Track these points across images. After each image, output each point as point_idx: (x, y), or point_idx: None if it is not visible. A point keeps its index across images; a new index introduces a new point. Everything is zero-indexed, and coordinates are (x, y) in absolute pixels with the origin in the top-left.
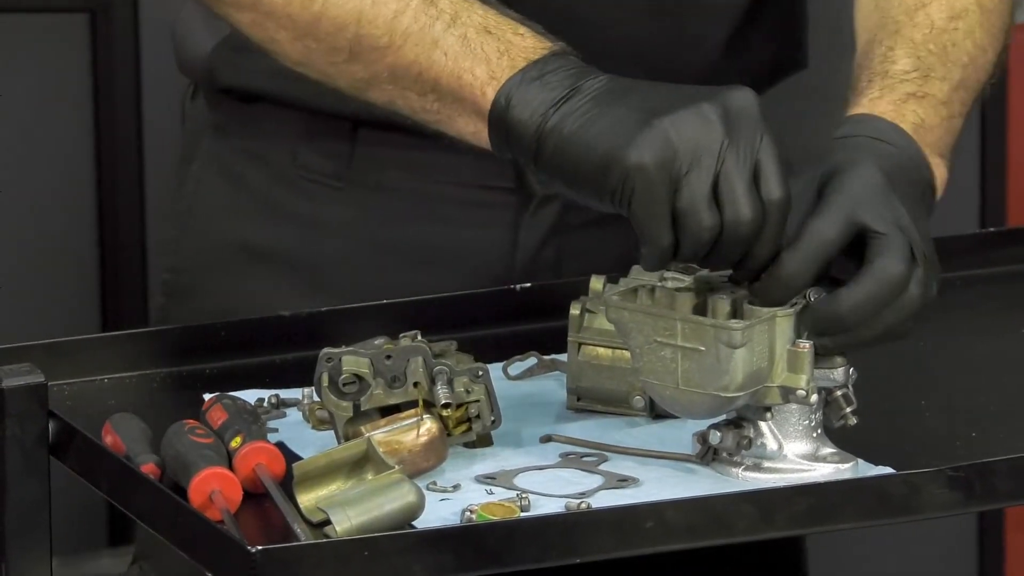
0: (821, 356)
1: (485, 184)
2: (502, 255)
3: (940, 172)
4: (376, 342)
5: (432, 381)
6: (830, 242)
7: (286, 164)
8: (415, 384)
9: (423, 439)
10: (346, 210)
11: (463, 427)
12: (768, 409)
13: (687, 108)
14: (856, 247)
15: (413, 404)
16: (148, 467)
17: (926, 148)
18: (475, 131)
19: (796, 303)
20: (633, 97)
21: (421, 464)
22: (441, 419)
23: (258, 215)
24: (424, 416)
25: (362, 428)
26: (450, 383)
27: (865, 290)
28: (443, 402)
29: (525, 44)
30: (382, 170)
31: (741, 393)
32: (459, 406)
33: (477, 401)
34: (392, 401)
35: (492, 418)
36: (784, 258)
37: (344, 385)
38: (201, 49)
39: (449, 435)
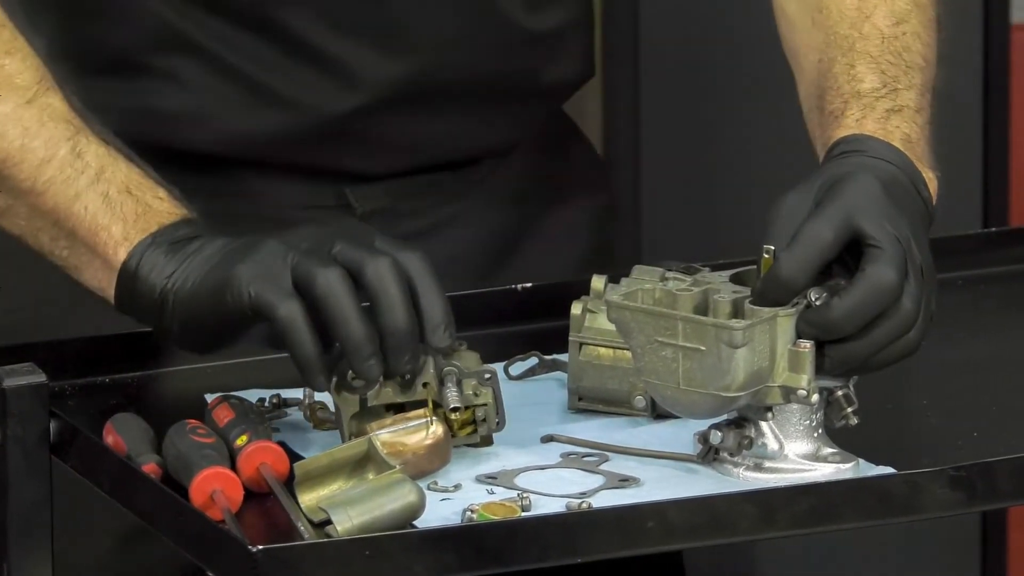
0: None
1: (306, 204)
2: None
3: (932, 184)
4: None
5: (441, 382)
6: (826, 244)
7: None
8: (424, 384)
9: (429, 442)
10: None
11: (468, 429)
12: (769, 409)
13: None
14: (857, 258)
15: (420, 404)
16: (149, 467)
17: (917, 162)
18: (100, 283)
19: (797, 303)
20: (238, 252)
21: (425, 466)
22: (447, 421)
23: None
24: (432, 419)
25: (367, 426)
26: (459, 385)
27: (856, 297)
28: (452, 406)
29: (161, 208)
30: (199, 198)
31: (742, 393)
32: (466, 408)
33: (484, 405)
34: (400, 400)
35: (497, 420)
36: (781, 259)
37: (352, 379)
38: None
39: (453, 436)
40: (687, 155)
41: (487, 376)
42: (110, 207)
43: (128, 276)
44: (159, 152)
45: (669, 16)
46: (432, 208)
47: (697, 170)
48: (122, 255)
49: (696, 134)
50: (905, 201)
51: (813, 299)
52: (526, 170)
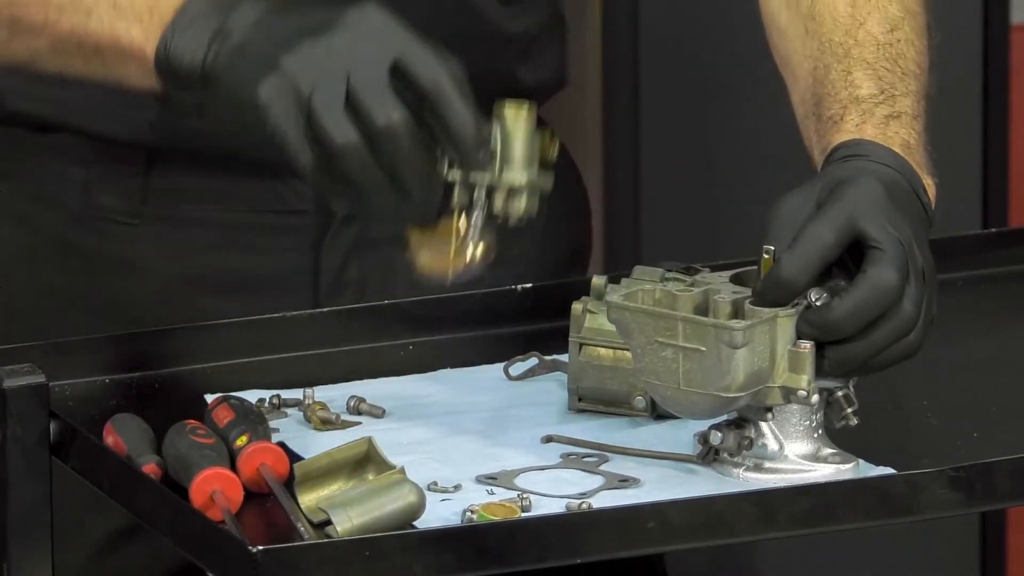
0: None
1: (283, 209)
2: (305, 279)
3: (931, 191)
4: None
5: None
6: (828, 245)
7: (78, 205)
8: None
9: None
10: (144, 246)
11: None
12: (769, 409)
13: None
14: (858, 260)
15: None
16: (149, 467)
17: (916, 168)
18: (151, 84)
19: (798, 304)
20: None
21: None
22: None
23: (56, 258)
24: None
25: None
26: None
27: (857, 298)
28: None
29: None
30: (178, 203)
31: (742, 393)
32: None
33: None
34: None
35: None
36: (782, 260)
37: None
38: None
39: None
40: (686, 155)
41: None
42: (121, 12)
43: (165, 69)
44: None
45: (668, 16)
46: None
47: (696, 170)
48: (150, 51)
49: (695, 134)
50: (906, 204)
51: (813, 300)
52: None
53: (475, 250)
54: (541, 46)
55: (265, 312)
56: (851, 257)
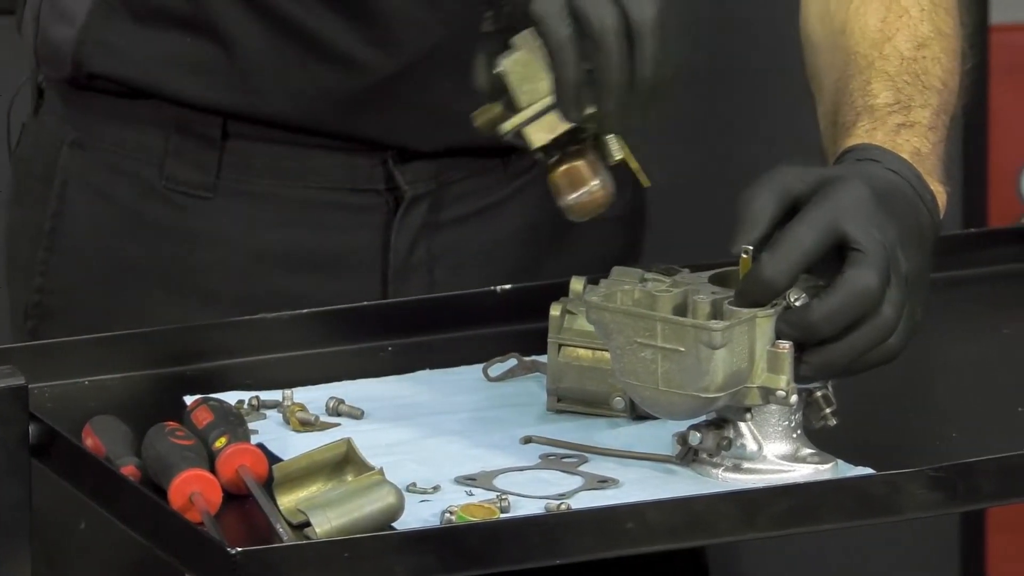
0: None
1: (355, 187)
2: (375, 257)
3: (941, 199)
4: None
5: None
6: (808, 247)
7: (153, 177)
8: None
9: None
10: (217, 220)
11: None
12: (748, 410)
13: None
14: (839, 261)
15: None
16: (128, 469)
17: (925, 176)
18: None
19: (777, 304)
20: None
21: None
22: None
23: (129, 230)
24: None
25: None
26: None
27: (835, 300)
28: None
29: None
30: (251, 178)
31: (721, 394)
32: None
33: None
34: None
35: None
36: (763, 260)
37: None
38: (64, 35)
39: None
40: (689, 159)
41: None
42: None
43: None
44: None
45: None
46: (477, 195)
47: (700, 173)
48: None
49: (699, 137)
50: (899, 209)
51: (792, 300)
52: None
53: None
54: None
55: (335, 291)
56: (834, 258)
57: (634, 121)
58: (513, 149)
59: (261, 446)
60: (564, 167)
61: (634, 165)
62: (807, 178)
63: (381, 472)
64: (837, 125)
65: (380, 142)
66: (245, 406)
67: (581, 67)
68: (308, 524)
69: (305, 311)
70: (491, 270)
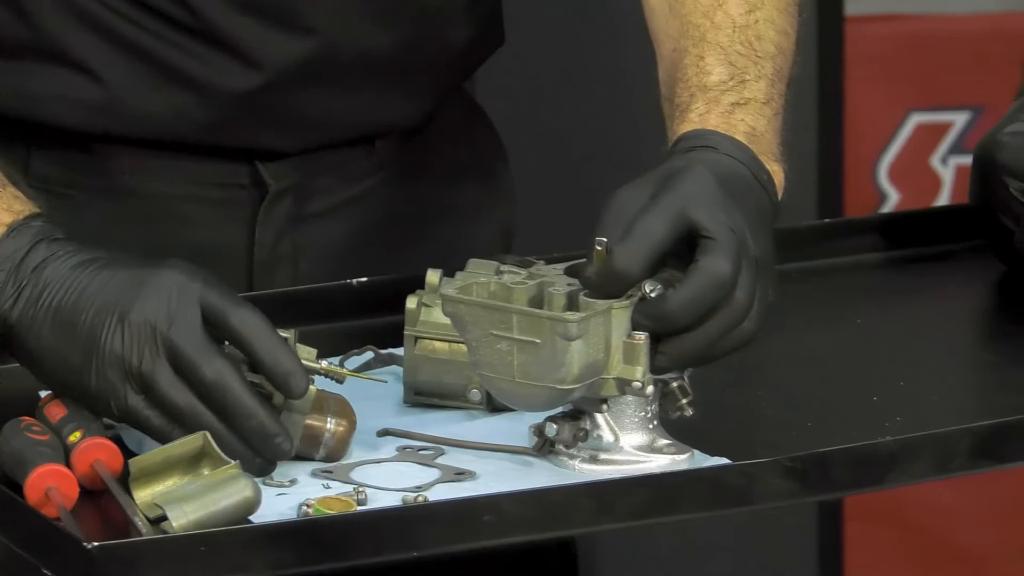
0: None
1: (219, 182)
2: (240, 251)
3: (778, 177)
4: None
5: None
6: (659, 238)
7: (17, 176)
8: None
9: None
10: (83, 217)
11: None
12: (604, 401)
13: None
14: (691, 251)
15: None
16: None
17: (761, 156)
18: None
19: (632, 295)
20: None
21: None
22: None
23: None
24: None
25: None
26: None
27: (691, 289)
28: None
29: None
30: (116, 175)
31: (577, 385)
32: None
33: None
34: None
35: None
36: (615, 252)
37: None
38: None
39: None
40: (557, 156)
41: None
42: None
43: None
44: (59, 139)
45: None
46: (342, 186)
47: (561, 163)
48: None
49: (557, 124)
50: (742, 193)
51: (648, 291)
52: (432, 152)
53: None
54: (473, 9)
55: None
56: (686, 248)
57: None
58: (377, 136)
59: (117, 440)
60: None
61: None
62: (653, 179)
63: (237, 466)
64: (673, 104)
65: (243, 149)
66: None
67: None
68: (165, 518)
69: None
70: (356, 262)
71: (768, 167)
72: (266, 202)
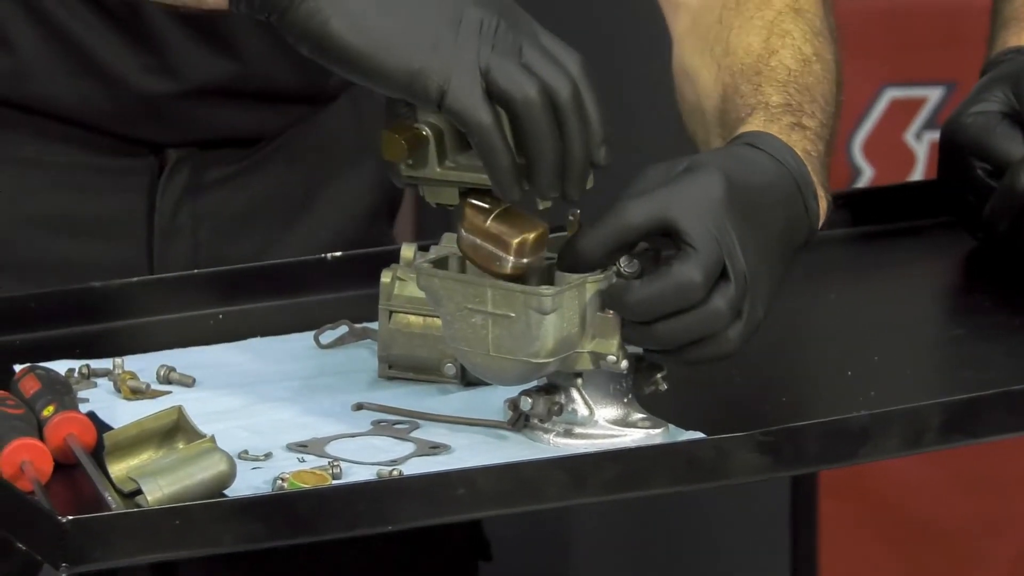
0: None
1: (119, 151)
2: (140, 220)
3: (822, 203)
4: None
5: None
6: (630, 227)
7: None
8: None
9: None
10: None
11: None
12: (579, 375)
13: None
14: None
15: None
16: None
17: (812, 174)
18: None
19: (608, 269)
20: None
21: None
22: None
23: None
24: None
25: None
26: None
27: (653, 289)
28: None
29: None
30: (15, 144)
31: (551, 359)
32: None
33: None
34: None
35: None
36: (584, 231)
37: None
38: None
39: None
40: None
41: None
42: None
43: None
44: None
45: None
46: (241, 155)
47: None
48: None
49: None
50: (767, 206)
51: (623, 267)
52: (333, 120)
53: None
54: None
55: (101, 255)
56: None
57: (572, 195)
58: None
59: (92, 415)
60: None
61: None
62: (670, 171)
63: (212, 440)
64: (727, 125)
65: (143, 140)
66: (76, 375)
67: (511, 150)
68: (140, 492)
69: (136, 279)
70: (255, 231)
71: (816, 188)
72: (165, 172)
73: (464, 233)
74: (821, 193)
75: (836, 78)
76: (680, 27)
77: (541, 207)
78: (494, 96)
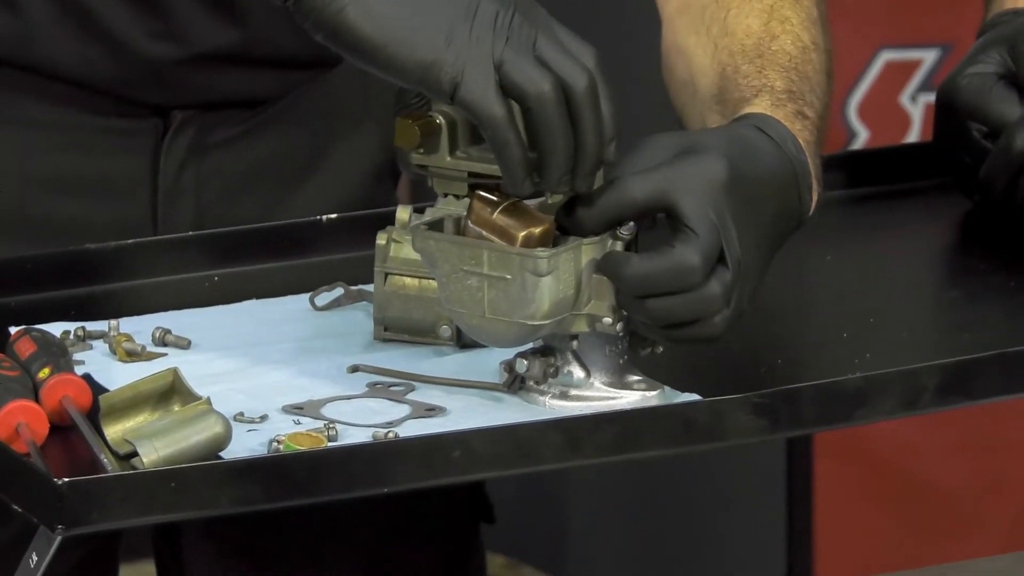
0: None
1: (124, 112)
2: (144, 181)
3: (814, 195)
4: None
5: None
6: (629, 203)
7: None
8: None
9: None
10: None
11: None
12: (575, 337)
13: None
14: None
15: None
16: None
17: (810, 165)
18: None
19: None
20: None
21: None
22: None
23: None
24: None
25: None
26: None
27: (650, 268)
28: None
29: None
30: (20, 105)
31: (547, 321)
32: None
33: None
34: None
35: None
36: (583, 198)
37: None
38: None
39: None
40: None
41: None
42: None
43: None
44: None
45: None
46: (245, 115)
47: None
48: None
49: None
50: (765, 196)
51: (620, 230)
52: (339, 82)
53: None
54: None
55: (105, 215)
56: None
57: (582, 189)
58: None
59: (87, 377)
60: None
61: None
62: (674, 148)
63: (208, 402)
64: (727, 102)
65: (154, 104)
66: (71, 337)
67: (524, 144)
68: (135, 454)
69: (131, 241)
70: (259, 192)
71: (812, 180)
72: (169, 134)
73: (471, 225)
74: (815, 185)
75: (829, 69)
76: (670, 7)
77: (551, 201)
78: (507, 90)
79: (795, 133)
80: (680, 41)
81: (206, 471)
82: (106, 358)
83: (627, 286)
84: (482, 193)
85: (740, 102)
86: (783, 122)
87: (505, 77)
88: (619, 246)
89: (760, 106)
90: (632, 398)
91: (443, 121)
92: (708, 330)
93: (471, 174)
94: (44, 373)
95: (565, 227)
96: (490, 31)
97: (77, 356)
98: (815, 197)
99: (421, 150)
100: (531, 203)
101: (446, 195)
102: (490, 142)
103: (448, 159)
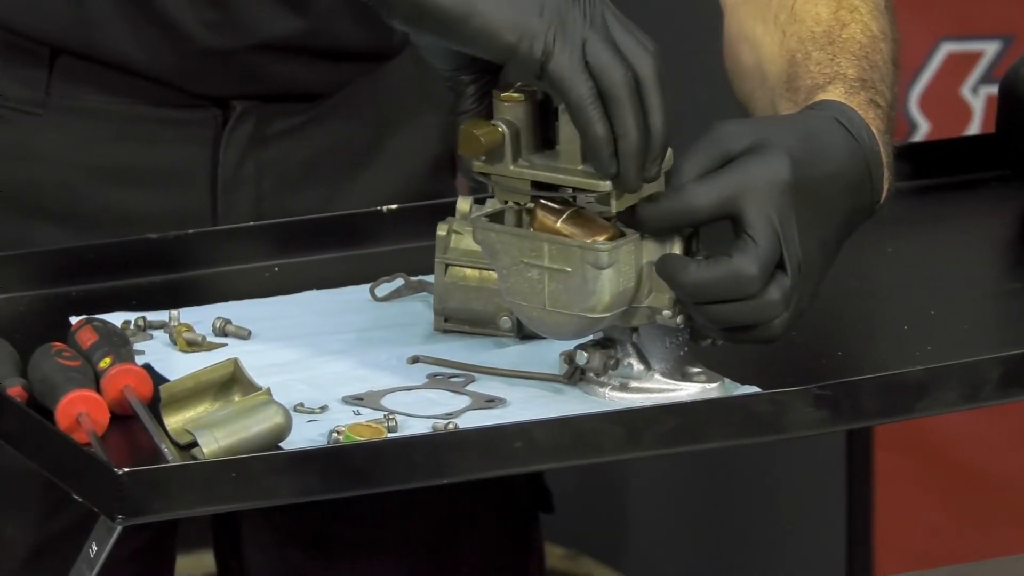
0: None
1: (183, 103)
2: (204, 172)
3: (886, 184)
4: None
5: None
6: (695, 210)
7: None
8: None
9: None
10: (49, 136)
11: None
12: (635, 329)
13: None
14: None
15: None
16: (15, 390)
17: (883, 157)
18: None
19: None
20: None
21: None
22: None
23: None
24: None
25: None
26: None
27: (708, 276)
28: None
29: None
30: (81, 94)
31: (608, 314)
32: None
33: None
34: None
35: None
36: (648, 204)
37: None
38: None
39: None
40: None
41: None
42: None
43: None
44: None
45: None
46: (305, 106)
47: None
48: None
49: None
50: (826, 192)
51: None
52: (398, 74)
53: None
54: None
55: (166, 206)
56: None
57: (652, 174)
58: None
59: (148, 367)
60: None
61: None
62: (743, 138)
63: (268, 392)
64: (799, 90)
65: (214, 95)
66: (132, 326)
67: (608, 121)
68: (195, 444)
69: (192, 231)
70: (319, 182)
71: (884, 170)
72: (229, 124)
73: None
74: (887, 175)
75: (896, 59)
76: None
77: (615, 210)
78: (590, 68)
79: (868, 122)
80: (746, 29)
81: (267, 461)
82: (166, 348)
83: (684, 293)
84: (545, 201)
85: (813, 89)
86: (857, 111)
87: (588, 55)
88: (678, 241)
89: (834, 93)
90: (692, 390)
91: (506, 130)
92: (767, 332)
93: (534, 184)
94: (105, 363)
95: (627, 220)
96: (576, 8)
97: (138, 346)
98: (887, 186)
99: (483, 158)
100: (593, 210)
101: (507, 203)
102: (574, 119)
103: (511, 167)
